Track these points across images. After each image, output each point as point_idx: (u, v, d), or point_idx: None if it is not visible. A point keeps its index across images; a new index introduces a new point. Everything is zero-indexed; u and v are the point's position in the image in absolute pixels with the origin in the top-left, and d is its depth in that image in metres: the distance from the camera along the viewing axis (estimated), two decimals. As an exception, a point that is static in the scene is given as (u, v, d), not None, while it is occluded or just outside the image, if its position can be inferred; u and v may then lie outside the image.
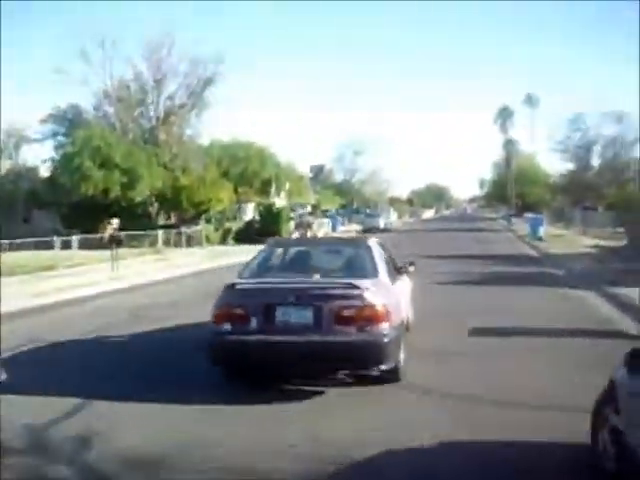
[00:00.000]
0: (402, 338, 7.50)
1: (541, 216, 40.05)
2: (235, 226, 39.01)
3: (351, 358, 6.89)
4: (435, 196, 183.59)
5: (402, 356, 7.40)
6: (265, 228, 37.73)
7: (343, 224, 59.77)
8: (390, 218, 65.82)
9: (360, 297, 6.88)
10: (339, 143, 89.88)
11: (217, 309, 7.23)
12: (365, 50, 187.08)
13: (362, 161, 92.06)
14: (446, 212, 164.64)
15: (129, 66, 42.58)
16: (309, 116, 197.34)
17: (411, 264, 10.00)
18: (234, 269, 9.37)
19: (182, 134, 43.92)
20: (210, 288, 11.84)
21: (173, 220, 40.36)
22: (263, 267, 8.59)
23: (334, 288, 7.09)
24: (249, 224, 39.93)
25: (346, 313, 6.84)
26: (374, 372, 7.06)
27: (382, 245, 9.32)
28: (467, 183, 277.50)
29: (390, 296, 7.48)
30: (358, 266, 8.03)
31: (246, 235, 37.50)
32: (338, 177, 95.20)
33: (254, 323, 6.98)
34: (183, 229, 34.62)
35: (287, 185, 56.73)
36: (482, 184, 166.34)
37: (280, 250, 9.56)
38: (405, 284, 9.66)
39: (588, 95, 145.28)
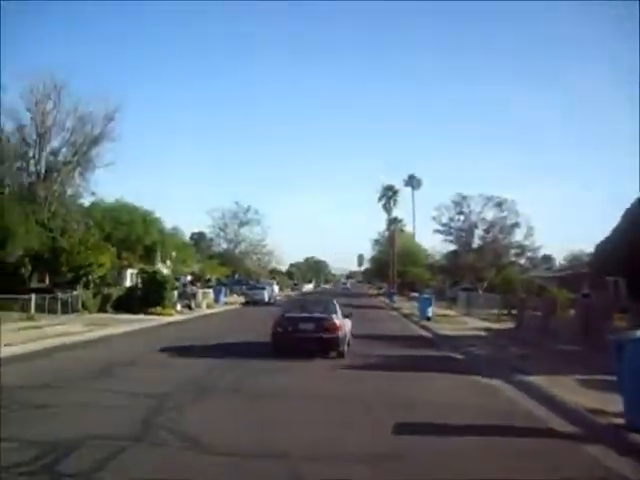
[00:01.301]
0: (346, 340, 18.02)
1: (431, 296, 40.33)
2: (115, 293, 36.77)
3: (328, 344, 17.21)
4: (313, 270, 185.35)
5: (345, 347, 17.89)
6: (147, 296, 35.85)
7: (226, 295, 58.30)
8: (274, 291, 64.93)
9: (331, 319, 17.56)
10: (223, 212, 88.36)
11: (276, 323, 18.00)
12: (256, 122, 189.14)
13: (246, 232, 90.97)
14: (326, 286, 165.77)
15: (10, 117, 40.24)
16: (195, 183, 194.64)
17: (350, 315, 20.37)
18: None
19: (63, 192, 41.59)
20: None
21: (47, 283, 37.60)
22: (290, 306, 22.78)
23: (321, 316, 17.97)
24: (130, 291, 37.80)
25: (325, 325, 17.28)
26: (336, 351, 17.43)
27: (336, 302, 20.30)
28: (345, 259, 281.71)
29: (342, 321, 18.13)
30: (329, 309, 18.83)
31: (127, 303, 35.42)
32: (219, 247, 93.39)
33: (290, 328, 17.44)
34: (59, 294, 32.16)
35: (174, 253, 54.95)
36: (361, 260, 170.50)
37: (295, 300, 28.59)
38: (347, 321, 19.34)
39: (473, 179, 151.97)
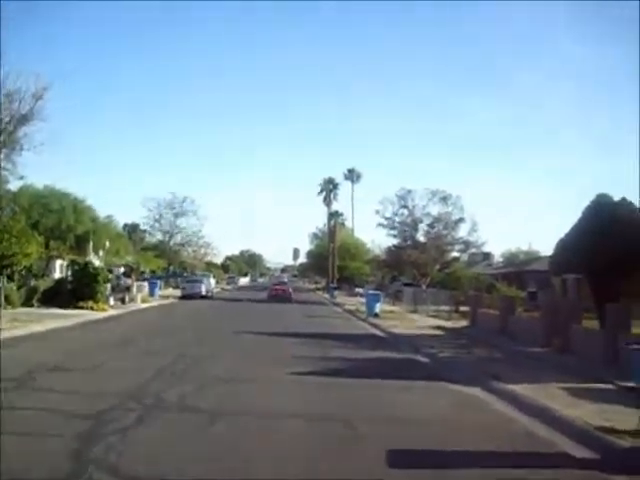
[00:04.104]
0: (292, 298, 55.41)
1: (379, 293, 39.06)
2: (43, 285, 34.11)
3: (288, 298, 53.91)
4: (249, 263, 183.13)
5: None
6: (78, 289, 33.35)
7: (161, 288, 55.90)
8: (211, 285, 62.75)
9: (287, 287, 60.23)
10: (159, 202, 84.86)
11: (271, 286, 61.59)
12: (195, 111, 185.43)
13: (182, 223, 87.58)
14: (261, 280, 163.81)
15: None
16: (130, 173, 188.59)
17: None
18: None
19: (-14, 176, 38.52)
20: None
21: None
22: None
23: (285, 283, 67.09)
24: (59, 284, 35.16)
25: (285, 289, 58.12)
26: (289, 302, 51.16)
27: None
28: (281, 252, 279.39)
29: (290, 289, 59.11)
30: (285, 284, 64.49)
31: (55, 296, 32.88)
32: (154, 238, 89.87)
33: (273, 290, 56.97)
34: (-22, 286, 29.39)
35: (107, 243, 52.12)
36: (296, 254, 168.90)
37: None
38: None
39: (417, 174, 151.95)
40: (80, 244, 48.23)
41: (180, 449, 7.69)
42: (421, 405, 11.24)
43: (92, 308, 31.91)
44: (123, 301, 38.37)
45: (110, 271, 40.79)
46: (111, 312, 32.73)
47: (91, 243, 49.94)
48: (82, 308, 31.56)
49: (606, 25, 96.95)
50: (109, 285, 36.94)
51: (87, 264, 35.68)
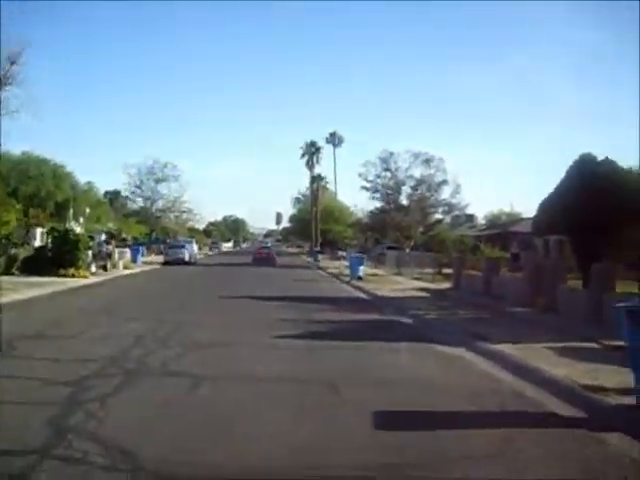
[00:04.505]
0: (276, 261, 57.26)
1: (362, 256, 38.97)
2: (23, 253, 33.65)
3: (272, 262, 55.19)
4: (232, 229, 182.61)
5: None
6: (59, 257, 32.89)
7: (143, 255, 55.51)
8: (194, 251, 62.36)
9: (271, 251, 63.41)
10: (139, 168, 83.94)
11: (255, 250, 67.14)
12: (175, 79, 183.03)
13: (163, 189, 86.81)
14: (244, 245, 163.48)
15: None
16: (110, 139, 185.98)
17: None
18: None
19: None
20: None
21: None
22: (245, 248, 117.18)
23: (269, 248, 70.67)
24: (40, 251, 34.67)
25: (269, 252, 61.37)
26: (273, 265, 52.37)
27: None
28: (263, 217, 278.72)
29: (274, 252, 63.54)
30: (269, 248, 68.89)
31: (36, 264, 32.44)
32: (135, 204, 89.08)
33: (257, 254, 60.52)
34: (-44, 255, 28.96)
35: (87, 210, 51.48)
36: (279, 218, 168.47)
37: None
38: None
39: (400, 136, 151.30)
40: (60, 211, 47.60)
41: (161, 413, 7.56)
42: (406, 367, 11.15)
43: (73, 275, 31.50)
44: (105, 268, 37.93)
45: (91, 238, 40.28)
46: (93, 279, 32.35)
47: (71, 210, 49.28)
48: (63, 276, 31.14)
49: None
50: (90, 252, 36.49)
51: (67, 231, 35.20)
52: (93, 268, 35.67)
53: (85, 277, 32.07)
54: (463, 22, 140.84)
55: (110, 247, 44.08)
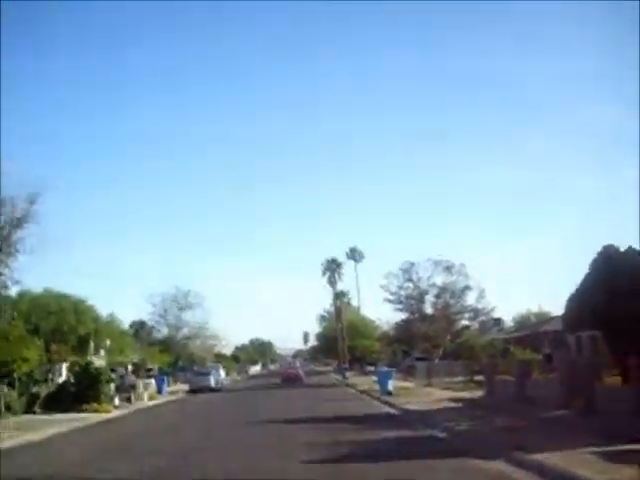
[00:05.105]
0: (303, 380, 63.30)
1: (391, 369, 37.96)
2: (45, 390, 33.11)
3: (299, 380, 61.86)
4: (259, 351, 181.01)
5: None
6: (81, 392, 32.35)
7: (169, 384, 54.66)
8: (221, 376, 61.54)
9: (297, 370, 68.82)
10: (163, 297, 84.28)
11: (283, 371, 73.74)
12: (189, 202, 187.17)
13: (187, 316, 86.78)
14: (272, 367, 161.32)
15: None
16: (129, 265, 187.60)
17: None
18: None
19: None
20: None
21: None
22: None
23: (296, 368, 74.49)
24: (62, 387, 34.20)
25: (297, 372, 67.02)
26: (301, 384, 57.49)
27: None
28: (290, 337, 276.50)
29: (302, 372, 69.23)
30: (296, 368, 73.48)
31: (59, 401, 31.86)
32: (160, 333, 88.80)
33: (285, 374, 67.79)
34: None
35: (108, 342, 51.22)
36: (306, 338, 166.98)
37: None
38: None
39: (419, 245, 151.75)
40: (82, 345, 47.35)
41: None
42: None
43: (96, 410, 30.88)
44: (129, 400, 37.25)
45: (113, 370, 39.78)
46: (115, 413, 31.63)
47: (92, 343, 49.04)
48: (85, 411, 30.54)
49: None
50: (113, 385, 35.94)
51: (88, 365, 34.80)
52: (117, 401, 35.04)
53: (108, 411, 31.37)
54: (460, 131, 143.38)
55: (133, 378, 43.45)
